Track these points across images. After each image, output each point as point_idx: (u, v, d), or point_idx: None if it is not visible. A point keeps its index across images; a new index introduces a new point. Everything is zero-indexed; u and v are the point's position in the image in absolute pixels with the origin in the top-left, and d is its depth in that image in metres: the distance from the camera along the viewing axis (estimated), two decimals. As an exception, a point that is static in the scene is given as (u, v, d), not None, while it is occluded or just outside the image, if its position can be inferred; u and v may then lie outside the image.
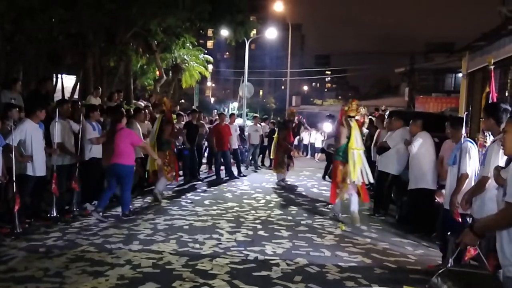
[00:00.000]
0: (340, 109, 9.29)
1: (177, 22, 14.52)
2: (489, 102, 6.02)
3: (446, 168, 6.27)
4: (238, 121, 24.40)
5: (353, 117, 8.74)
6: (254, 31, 25.74)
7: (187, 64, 23.27)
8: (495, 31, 12.56)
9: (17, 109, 7.53)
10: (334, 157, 8.97)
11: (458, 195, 5.46)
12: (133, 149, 8.52)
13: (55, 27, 13.00)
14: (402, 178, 8.69)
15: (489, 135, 5.37)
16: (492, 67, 6.26)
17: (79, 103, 10.68)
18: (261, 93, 74.41)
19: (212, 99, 71.00)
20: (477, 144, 5.76)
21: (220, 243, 6.77)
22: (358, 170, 8.34)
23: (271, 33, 28.21)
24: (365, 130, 15.28)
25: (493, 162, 4.56)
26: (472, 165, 5.56)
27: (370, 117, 15.62)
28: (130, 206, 8.65)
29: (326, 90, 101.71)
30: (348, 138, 8.54)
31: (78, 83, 16.59)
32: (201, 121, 14.11)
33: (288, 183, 13.08)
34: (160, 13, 13.61)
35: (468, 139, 5.72)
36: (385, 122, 11.13)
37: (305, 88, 79.19)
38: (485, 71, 13.26)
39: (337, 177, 8.61)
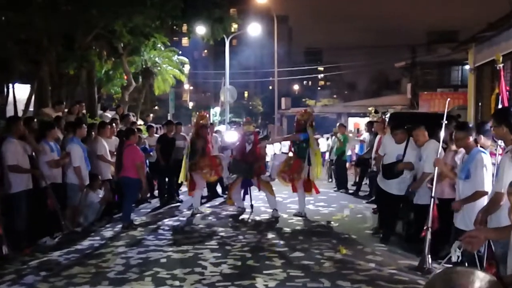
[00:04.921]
0: (297, 119, 11.31)
1: (145, 21, 14.34)
2: (499, 106, 5.99)
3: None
4: (221, 128, 24.27)
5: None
6: (235, 26, 25.62)
7: (159, 68, 23.09)
8: (503, 20, 12.59)
9: None
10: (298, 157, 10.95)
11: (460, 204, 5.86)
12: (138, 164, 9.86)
13: (2, 31, 12.74)
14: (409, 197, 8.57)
15: (501, 143, 5.36)
16: (501, 65, 6.21)
17: (34, 119, 10.52)
18: (246, 95, 74.42)
19: (191, 104, 70.95)
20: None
21: (204, 278, 6.64)
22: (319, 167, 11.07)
23: (254, 29, 28.12)
24: (365, 134, 15.34)
25: (506, 177, 4.52)
26: (488, 180, 5.56)
27: (371, 120, 15.65)
28: (137, 217, 10.34)
29: (319, 88, 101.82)
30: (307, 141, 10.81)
31: (33, 94, 16.33)
32: (182, 134, 13.97)
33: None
34: (124, 13, 13.43)
35: (481, 149, 5.68)
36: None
37: (296, 87, 79.29)
38: (494, 65, 13.35)
39: (301, 172, 10.83)
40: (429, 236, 6.62)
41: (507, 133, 4.68)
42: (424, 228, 6.69)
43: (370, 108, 29.20)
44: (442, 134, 6.82)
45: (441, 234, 6.91)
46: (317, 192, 11.44)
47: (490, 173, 5.61)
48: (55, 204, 8.65)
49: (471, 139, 5.92)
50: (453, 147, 7.13)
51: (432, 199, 6.71)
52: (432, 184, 7.33)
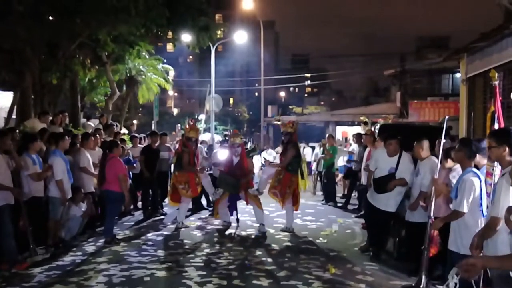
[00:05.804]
0: (292, 132, 11.19)
1: (130, 29, 14.30)
2: (496, 125, 5.99)
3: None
4: (206, 136, 24.23)
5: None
6: (221, 31, 25.57)
7: (143, 76, 22.99)
8: (496, 31, 12.66)
9: None
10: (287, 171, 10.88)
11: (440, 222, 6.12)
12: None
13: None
14: (400, 213, 8.57)
15: (497, 164, 5.36)
16: (496, 82, 6.20)
17: (17, 131, 10.45)
18: (231, 101, 74.32)
19: (175, 111, 70.79)
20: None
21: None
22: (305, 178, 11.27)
23: (240, 36, 28.14)
24: (353, 146, 15.34)
25: (503, 201, 4.53)
26: (470, 202, 5.62)
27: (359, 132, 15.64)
28: (120, 231, 10.45)
29: (306, 95, 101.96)
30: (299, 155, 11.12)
31: (16, 105, 16.19)
32: (166, 144, 13.92)
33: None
34: (108, 21, 13.39)
35: (474, 169, 5.69)
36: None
37: (282, 94, 79.38)
38: (486, 76, 13.39)
39: (291, 187, 10.90)
40: (426, 256, 6.59)
41: (506, 154, 4.66)
42: (422, 248, 6.65)
43: (362, 118, 29.08)
44: (441, 151, 6.78)
45: (436, 253, 6.93)
46: (296, 209, 11.38)
47: (475, 195, 5.64)
48: (26, 226, 8.51)
49: (469, 158, 5.90)
50: (447, 164, 7.12)
51: (430, 220, 6.65)
52: (425, 202, 7.35)
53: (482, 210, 5.66)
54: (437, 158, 7.36)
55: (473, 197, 5.68)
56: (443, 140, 6.78)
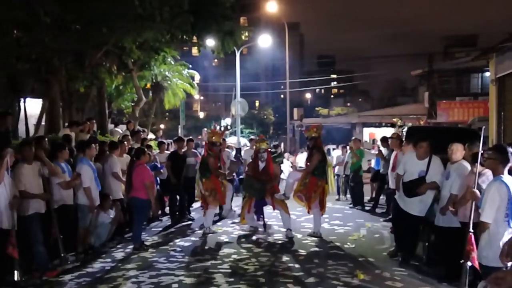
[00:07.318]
0: (316, 137, 11.25)
1: (155, 36, 14.44)
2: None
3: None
4: (232, 140, 24.31)
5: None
6: (246, 33, 25.65)
7: (169, 82, 23.15)
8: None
9: None
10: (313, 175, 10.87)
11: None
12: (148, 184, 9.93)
13: (13, 51, 12.90)
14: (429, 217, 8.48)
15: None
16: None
17: (46, 139, 10.60)
18: (257, 104, 74.40)
19: (201, 114, 71.18)
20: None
21: (217, 306, 6.65)
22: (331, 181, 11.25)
23: (265, 40, 28.11)
24: (382, 149, 15.20)
25: None
26: (494, 212, 5.45)
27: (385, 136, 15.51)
28: (148, 237, 10.68)
29: (332, 96, 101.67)
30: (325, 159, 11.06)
31: (44, 113, 16.46)
32: (193, 150, 14.02)
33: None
34: (134, 29, 13.56)
35: (502, 176, 5.53)
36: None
37: (308, 96, 79.18)
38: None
39: (317, 191, 10.91)
40: (467, 268, 6.39)
41: None
42: (461, 261, 6.49)
43: (394, 119, 28.60)
44: (478, 159, 6.62)
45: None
46: (323, 213, 11.37)
47: (499, 204, 5.46)
48: (57, 234, 8.60)
49: (503, 165, 5.73)
50: (475, 169, 7.01)
51: (470, 233, 6.35)
52: (454, 207, 7.26)
53: (509, 221, 5.46)
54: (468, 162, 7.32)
55: (497, 206, 5.45)
56: (480, 150, 6.65)
